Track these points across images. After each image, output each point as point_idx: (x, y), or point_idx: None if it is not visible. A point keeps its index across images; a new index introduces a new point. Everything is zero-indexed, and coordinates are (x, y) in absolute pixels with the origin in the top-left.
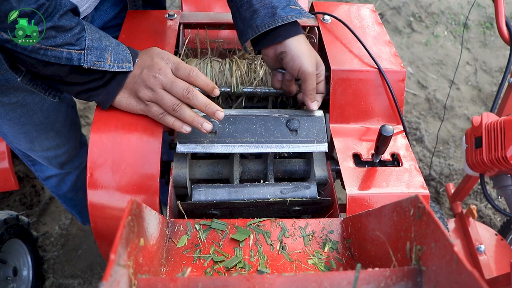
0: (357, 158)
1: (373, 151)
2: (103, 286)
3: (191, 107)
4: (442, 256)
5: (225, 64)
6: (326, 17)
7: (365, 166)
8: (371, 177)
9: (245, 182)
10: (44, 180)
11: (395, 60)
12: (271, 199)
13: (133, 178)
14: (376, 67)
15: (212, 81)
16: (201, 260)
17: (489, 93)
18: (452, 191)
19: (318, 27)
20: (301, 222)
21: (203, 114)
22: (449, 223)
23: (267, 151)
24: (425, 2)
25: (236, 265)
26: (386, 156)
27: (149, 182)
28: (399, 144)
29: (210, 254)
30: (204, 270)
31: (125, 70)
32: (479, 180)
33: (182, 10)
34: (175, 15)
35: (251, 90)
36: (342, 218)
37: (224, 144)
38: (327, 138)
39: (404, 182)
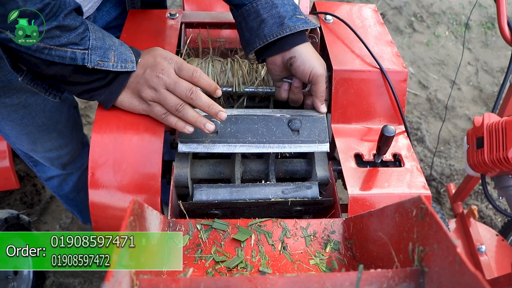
0: (358, 158)
1: (374, 152)
2: (105, 286)
3: (193, 107)
4: (445, 257)
5: (227, 64)
6: (328, 17)
7: (367, 167)
8: (372, 178)
9: (247, 182)
10: (46, 180)
11: (397, 60)
12: (273, 199)
13: (135, 178)
14: (378, 67)
15: (214, 80)
16: (203, 260)
17: (490, 93)
18: (453, 191)
19: (320, 27)
20: (303, 222)
21: (204, 114)
22: (450, 223)
23: (268, 151)
24: (426, 2)
25: (237, 265)
26: (387, 156)
27: (150, 182)
28: (400, 144)
29: (211, 254)
30: (206, 270)
31: (129, 70)
32: (480, 181)
33: (183, 10)
34: (177, 15)
35: (253, 90)
36: (344, 219)
37: (225, 144)
38: (329, 138)
39: (405, 183)
